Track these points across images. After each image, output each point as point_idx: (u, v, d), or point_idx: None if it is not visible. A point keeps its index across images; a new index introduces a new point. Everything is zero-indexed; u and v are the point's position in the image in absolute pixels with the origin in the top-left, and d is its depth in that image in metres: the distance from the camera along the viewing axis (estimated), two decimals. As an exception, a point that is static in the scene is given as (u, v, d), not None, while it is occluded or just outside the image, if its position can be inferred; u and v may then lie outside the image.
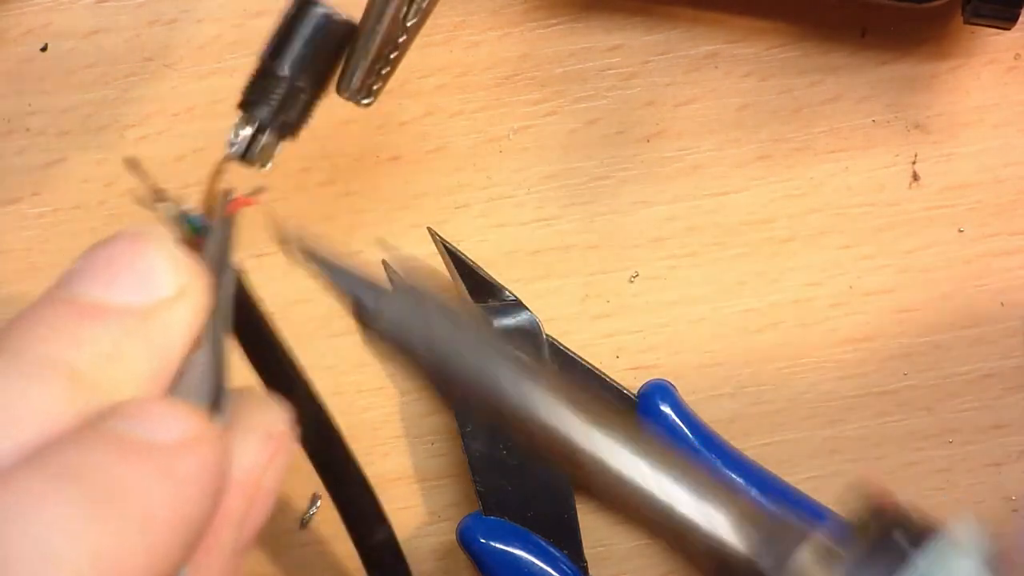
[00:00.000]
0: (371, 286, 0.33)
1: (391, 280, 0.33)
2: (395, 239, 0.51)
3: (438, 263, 0.50)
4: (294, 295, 0.51)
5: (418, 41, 0.46)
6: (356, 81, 0.46)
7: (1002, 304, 0.51)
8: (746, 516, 0.32)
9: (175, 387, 0.27)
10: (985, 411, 0.51)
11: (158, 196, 0.35)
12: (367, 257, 0.50)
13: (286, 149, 0.50)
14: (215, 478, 0.25)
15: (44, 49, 0.50)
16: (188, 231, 0.34)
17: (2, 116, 0.50)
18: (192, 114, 0.50)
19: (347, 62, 0.46)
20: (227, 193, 0.35)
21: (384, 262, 0.50)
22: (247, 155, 0.43)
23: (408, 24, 0.45)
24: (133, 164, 0.36)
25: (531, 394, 0.33)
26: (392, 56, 0.46)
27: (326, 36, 0.45)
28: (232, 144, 0.43)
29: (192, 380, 0.27)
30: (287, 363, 0.40)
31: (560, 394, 0.33)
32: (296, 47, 0.44)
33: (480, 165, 0.51)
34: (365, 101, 0.47)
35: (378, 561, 0.47)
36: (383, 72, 0.46)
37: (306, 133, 0.50)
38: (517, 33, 0.51)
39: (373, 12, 0.45)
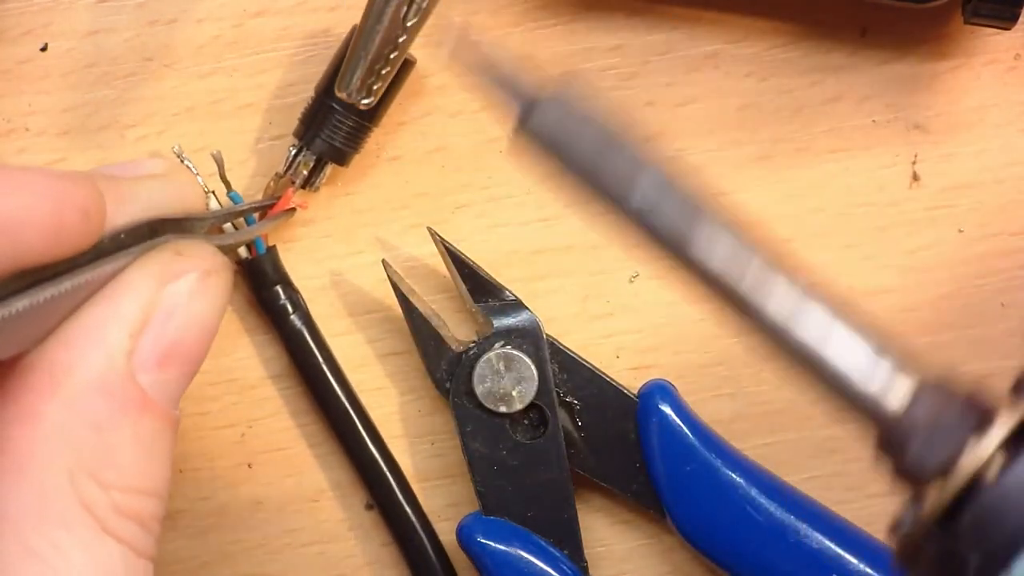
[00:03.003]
0: (528, 94, 0.33)
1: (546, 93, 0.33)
2: (395, 239, 0.51)
3: (438, 263, 0.50)
4: (294, 295, 0.51)
5: (418, 41, 0.46)
6: (356, 81, 0.46)
7: (1002, 304, 0.51)
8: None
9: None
10: (985, 411, 0.51)
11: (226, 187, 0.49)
12: (367, 257, 0.51)
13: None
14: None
15: (44, 49, 0.50)
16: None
17: (2, 116, 0.50)
18: (192, 114, 0.50)
19: (347, 62, 0.46)
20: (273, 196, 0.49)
21: (384, 262, 0.50)
22: (296, 178, 0.49)
23: (408, 24, 0.45)
24: (219, 160, 0.49)
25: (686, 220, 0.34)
26: (392, 56, 0.46)
27: None
28: (285, 167, 0.49)
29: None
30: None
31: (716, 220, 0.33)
32: None
33: (480, 165, 0.51)
34: (365, 101, 0.47)
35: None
36: (383, 72, 0.46)
37: (306, 133, 0.51)
38: (517, 33, 0.51)
39: (373, 12, 0.45)
